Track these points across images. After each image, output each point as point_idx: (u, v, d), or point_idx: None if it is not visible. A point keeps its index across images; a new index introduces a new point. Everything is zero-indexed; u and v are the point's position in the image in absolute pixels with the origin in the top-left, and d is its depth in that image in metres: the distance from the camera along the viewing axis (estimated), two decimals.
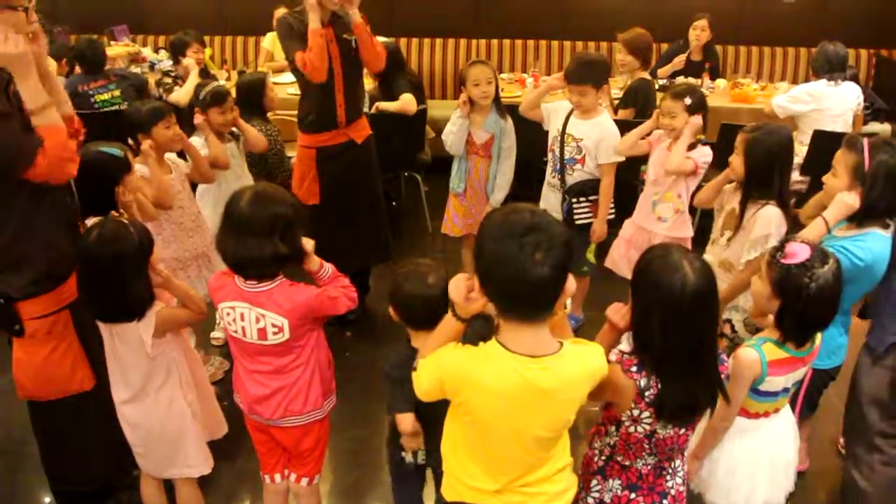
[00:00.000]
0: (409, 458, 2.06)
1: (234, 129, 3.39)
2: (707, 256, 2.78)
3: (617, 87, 4.85)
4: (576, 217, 3.35)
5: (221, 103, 3.25)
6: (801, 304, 1.85)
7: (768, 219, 2.50)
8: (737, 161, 2.58)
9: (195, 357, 2.35)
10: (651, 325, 1.60)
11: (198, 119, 3.23)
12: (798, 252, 1.88)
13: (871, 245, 2.20)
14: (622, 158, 3.29)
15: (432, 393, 1.62)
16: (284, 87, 4.93)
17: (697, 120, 2.98)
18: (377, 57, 3.30)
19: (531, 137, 3.67)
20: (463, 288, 1.52)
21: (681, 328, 1.58)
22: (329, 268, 2.10)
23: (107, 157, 2.41)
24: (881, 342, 2.35)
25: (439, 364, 1.58)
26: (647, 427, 1.68)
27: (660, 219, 3.18)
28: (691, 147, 3.04)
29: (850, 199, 2.22)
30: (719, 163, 3.59)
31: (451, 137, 3.50)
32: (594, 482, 1.81)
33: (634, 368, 1.63)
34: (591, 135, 3.28)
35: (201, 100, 3.25)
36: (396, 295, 1.96)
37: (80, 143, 2.25)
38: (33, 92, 2.00)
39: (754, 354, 1.92)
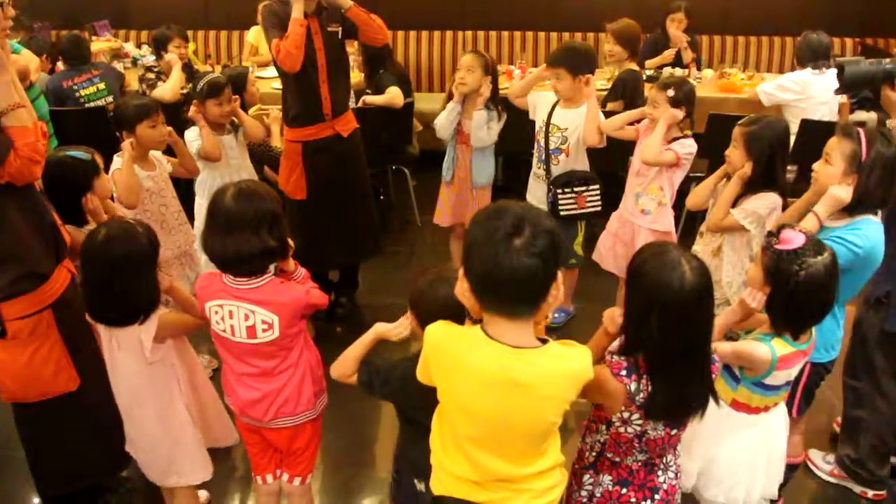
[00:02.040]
0: (420, 486, 1.93)
1: (233, 119, 3.36)
2: (696, 248, 2.78)
3: (605, 77, 4.83)
4: (561, 208, 3.33)
5: (219, 94, 3.22)
6: (789, 291, 1.84)
7: (767, 197, 2.52)
8: (734, 154, 2.57)
9: (196, 362, 2.31)
10: (649, 324, 1.56)
11: (192, 111, 3.21)
12: (792, 239, 1.86)
13: (867, 232, 2.18)
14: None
15: (423, 370, 1.60)
16: (269, 81, 4.88)
17: (676, 112, 2.93)
18: (379, 30, 3.27)
19: (519, 129, 3.65)
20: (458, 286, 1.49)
21: (679, 327, 1.56)
22: (302, 269, 2.12)
23: (75, 161, 2.39)
24: (872, 293, 2.46)
25: (426, 340, 1.55)
26: (638, 428, 1.66)
27: (643, 211, 3.17)
28: (674, 140, 3.01)
29: (841, 193, 2.17)
30: (707, 152, 3.57)
31: (441, 121, 3.55)
32: (586, 476, 1.80)
33: (624, 372, 1.60)
34: (575, 124, 3.27)
35: (198, 91, 3.23)
36: (428, 302, 1.74)
37: (45, 147, 2.22)
38: (6, 91, 1.96)
39: (766, 351, 1.90)
